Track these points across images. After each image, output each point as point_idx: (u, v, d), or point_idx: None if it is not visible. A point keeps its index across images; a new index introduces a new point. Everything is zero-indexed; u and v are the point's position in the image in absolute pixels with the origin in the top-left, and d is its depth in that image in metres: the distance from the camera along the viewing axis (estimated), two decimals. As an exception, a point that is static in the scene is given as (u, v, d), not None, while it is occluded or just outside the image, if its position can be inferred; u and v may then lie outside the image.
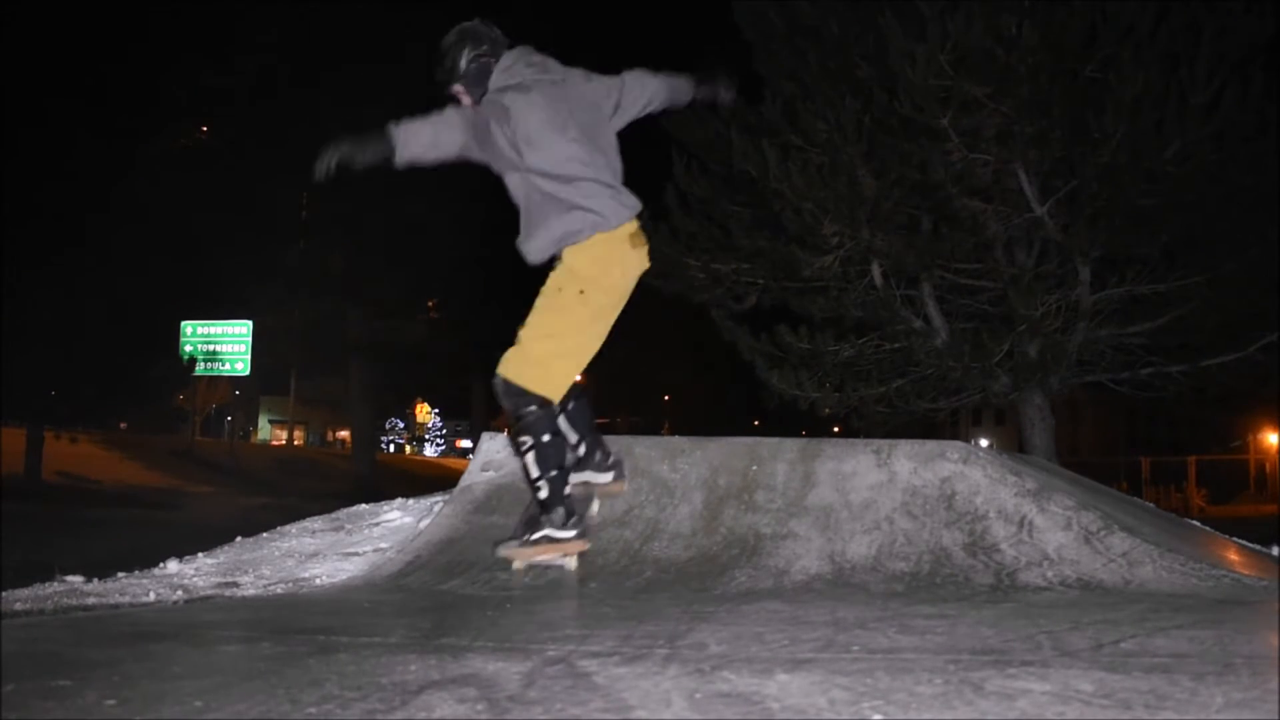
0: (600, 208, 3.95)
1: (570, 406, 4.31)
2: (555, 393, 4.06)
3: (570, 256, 3.98)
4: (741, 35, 13.31)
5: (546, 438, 4.00)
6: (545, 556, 4.11)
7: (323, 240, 34.43)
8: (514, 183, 4.07)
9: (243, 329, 39.05)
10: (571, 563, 4.21)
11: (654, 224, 12.94)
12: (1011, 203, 11.53)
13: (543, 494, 4.02)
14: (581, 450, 4.40)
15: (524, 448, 4.02)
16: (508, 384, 4.02)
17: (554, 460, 4.03)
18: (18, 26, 24.16)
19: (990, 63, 10.39)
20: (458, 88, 4.18)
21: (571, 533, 4.05)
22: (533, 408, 3.99)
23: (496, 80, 4.07)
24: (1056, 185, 11.49)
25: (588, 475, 4.42)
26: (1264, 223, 10.73)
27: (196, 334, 37.86)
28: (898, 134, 11.30)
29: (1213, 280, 11.38)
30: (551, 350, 4.02)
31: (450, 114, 4.00)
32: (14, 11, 23.98)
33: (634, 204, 4.07)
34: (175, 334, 35.98)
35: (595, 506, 4.47)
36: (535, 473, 4.01)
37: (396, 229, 30.39)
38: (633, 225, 4.04)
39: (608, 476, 4.47)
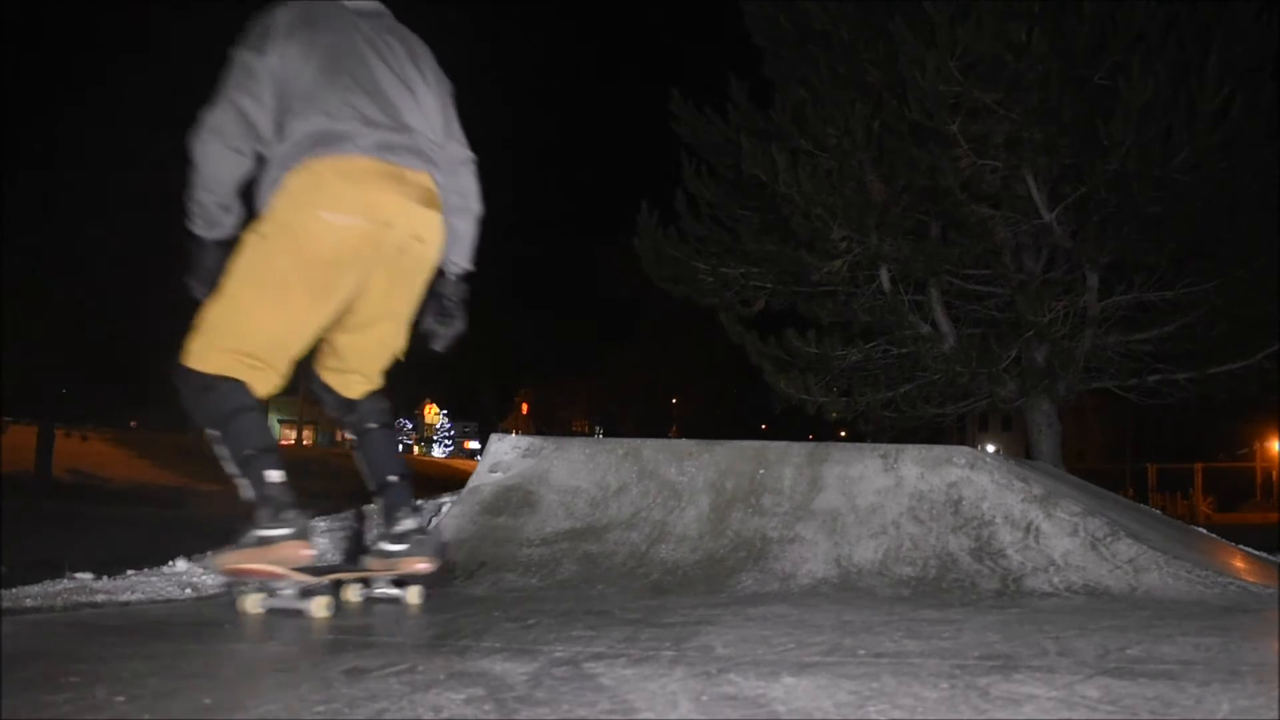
0: (316, 139, 3.22)
1: (372, 434, 3.65)
2: (232, 368, 3.25)
3: (273, 196, 3.25)
4: (751, 39, 13.33)
5: (238, 414, 3.25)
6: (255, 564, 3.18)
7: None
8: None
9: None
10: (316, 608, 3.15)
11: (663, 228, 12.98)
12: (1020, 209, 11.52)
13: (245, 491, 3.26)
14: (381, 501, 3.59)
15: (216, 441, 3.32)
16: (185, 372, 3.32)
17: (251, 438, 3.26)
18: (27, 25, 24.26)
19: (1000, 69, 10.40)
20: None
21: (283, 530, 3.14)
22: (215, 383, 3.27)
23: None
24: (1065, 192, 11.48)
25: (378, 544, 3.56)
26: (1272, 231, 10.72)
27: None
28: (907, 139, 11.31)
29: (1221, 288, 11.37)
30: (228, 315, 3.27)
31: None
32: (22, 9, 24.09)
33: (389, 149, 3.28)
34: (186, 333, 36.08)
35: (416, 595, 3.52)
36: (234, 455, 3.27)
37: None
38: (368, 160, 3.22)
39: (400, 548, 3.47)
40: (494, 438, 5.58)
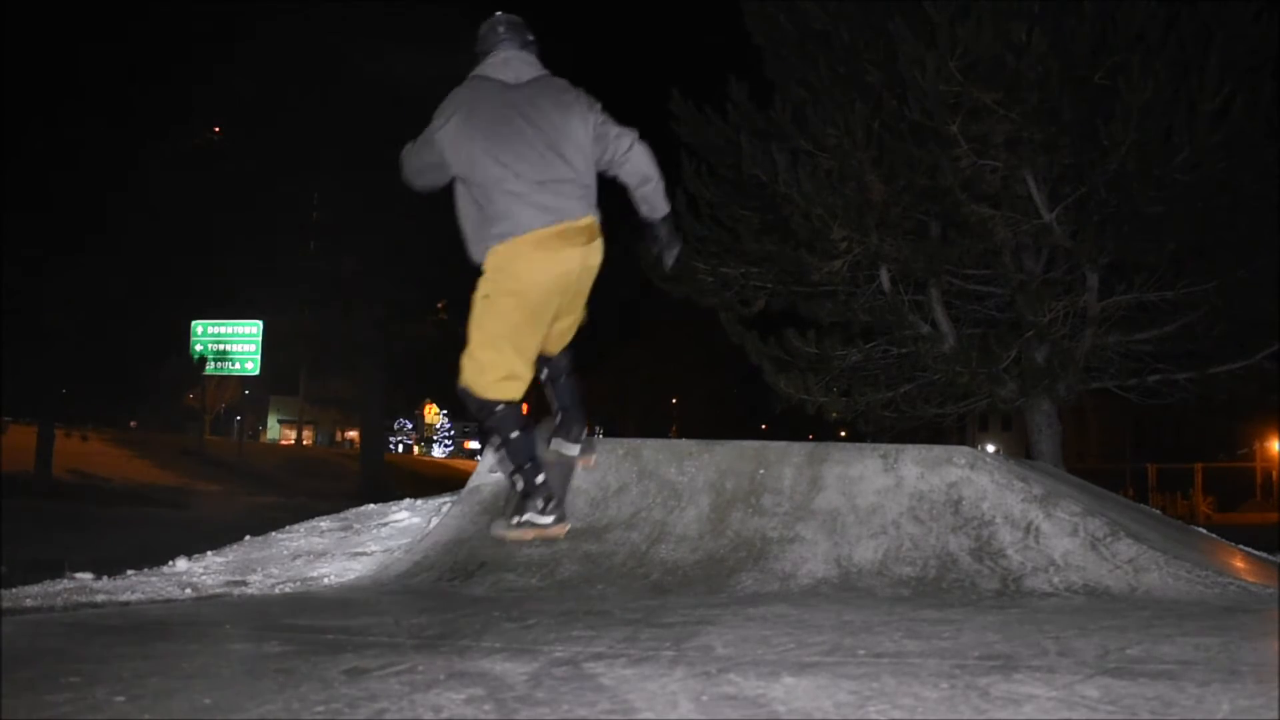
0: (511, 211, 4.11)
1: (560, 381, 4.58)
2: (506, 392, 4.21)
3: (485, 262, 4.19)
4: (752, 40, 13.33)
5: (514, 435, 4.20)
6: (530, 537, 4.29)
7: (333, 241, 34.51)
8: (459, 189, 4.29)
9: (253, 329, 39.16)
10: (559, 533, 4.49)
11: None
12: (1020, 209, 11.51)
13: (519, 485, 4.19)
14: (559, 419, 4.59)
15: (495, 445, 4.30)
16: (467, 391, 4.23)
17: (524, 454, 4.21)
18: (31, 25, 24.25)
19: (1000, 69, 10.39)
20: None
21: (550, 518, 4.18)
22: (498, 408, 4.18)
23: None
24: (1065, 192, 11.47)
25: (557, 444, 4.56)
26: (1272, 231, 10.71)
27: (207, 333, 37.96)
28: (907, 139, 11.29)
29: (1220, 288, 11.36)
30: (484, 359, 4.19)
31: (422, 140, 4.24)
32: (27, 10, 24.08)
33: (557, 211, 4.12)
34: (186, 333, 36.05)
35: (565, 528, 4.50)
36: (510, 467, 4.22)
37: (406, 230, 30.44)
38: (549, 230, 4.10)
39: (575, 449, 4.61)
40: (494, 439, 5.57)
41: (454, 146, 4.12)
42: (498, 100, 4.18)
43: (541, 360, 4.61)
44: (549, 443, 4.51)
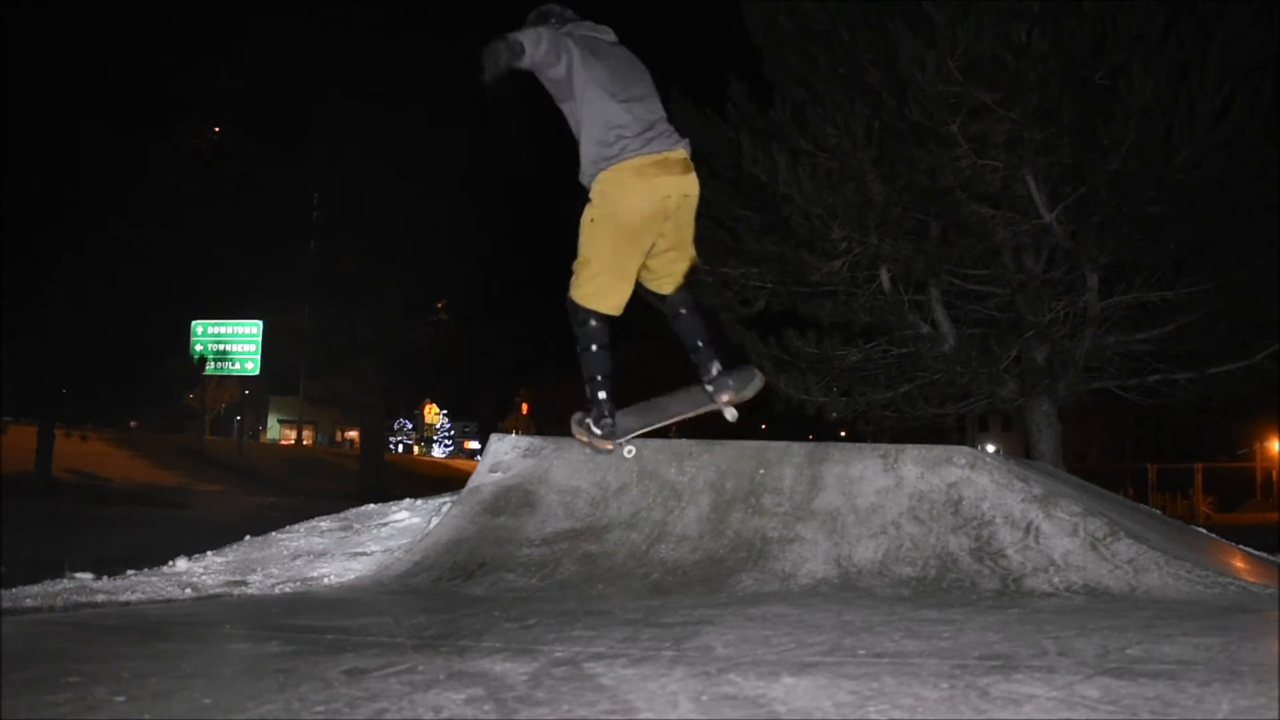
0: (626, 138, 4.61)
1: (682, 317, 5.04)
2: (606, 306, 4.73)
3: (592, 186, 4.69)
4: (752, 40, 13.32)
5: (594, 348, 4.76)
6: (584, 440, 4.93)
7: (333, 241, 34.53)
8: (565, 109, 4.78)
9: (253, 329, 39.16)
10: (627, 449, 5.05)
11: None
12: (1020, 209, 11.51)
13: (588, 392, 4.81)
14: (697, 362, 5.04)
15: (580, 349, 4.80)
16: (570, 302, 4.75)
17: (597, 368, 4.78)
18: (31, 27, 24.24)
19: (1000, 69, 10.39)
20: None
21: (599, 432, 4.84)
22: (590, 321, 4.73)
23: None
24: (1065, 192, 11.47)
25: (704, 388, 5.04)
26: (1272, 231, 10.71)
27: (207, 333, 37.96)
28: (907, 139, 11.29)
29: (1221, 288, 11.36)
30: (588, 273, 4.71)
31: (533, 30, 4.67)
32: (27, 11, 24.08)
33: (666, 139, 4.74)
34: (186, 333, 36.05)
35: (630, 450, 5.04)
36: (586, 373, 4.80)
37: (406, 231, 30.44)
38: (655, 157, 4.65)
39: (724, 396, 5.00)
40: (494, 438, 5.58)
41: (582, 71, 4.62)
42: (607, 49, 4.83)
43: (658, 298, 5.10)
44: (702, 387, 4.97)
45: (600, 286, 4.73)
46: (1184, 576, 3.96)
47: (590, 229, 4.73)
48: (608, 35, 4.96)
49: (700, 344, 5.07)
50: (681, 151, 4.84)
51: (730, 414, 5.09)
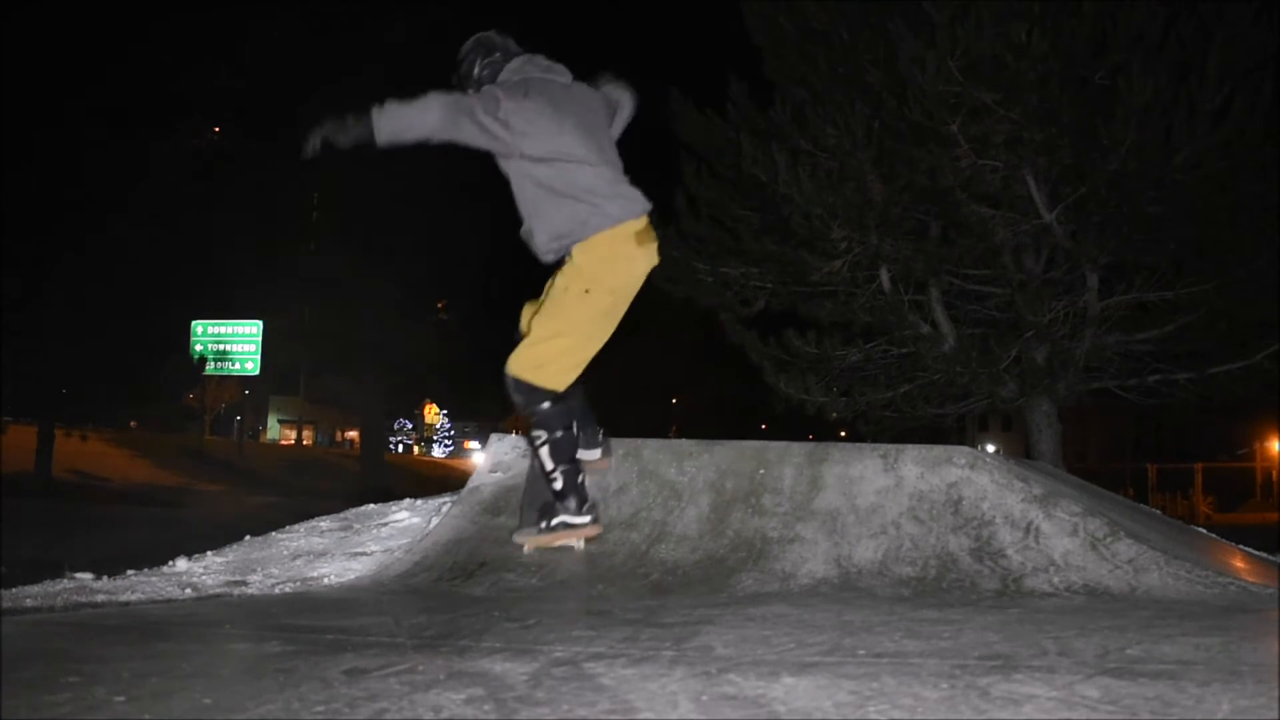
0: (601, 203, 4.11)
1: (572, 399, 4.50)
2: (564, 385, 4.25)
3: (577, 254, 4.14)
4: (752, 40, 13.33)
5: (560, 433, 4.24)
6: (561, 541, 4.36)
7: (333, 241, 34.53)
8: (510, 170, 4.22)
9: (253, 329, 39.19)
10: (580, 544, 4.47)
11: (662, 228, 12.97)
12: (1020, 209, 11.52)
13: (558, 485, 4.27)
14: (574, 430, 4.50)
15: (539, 442, 4.26)
16: (518, 381, 4.21)
17: (567, 453, 4.28)
18: (31, 27, 24.24)
19: (1000, 69, 10.39)
20: (471, 93, 4.30)
21: (586, 518, 4.33)
22: (546, 404, 4.21)
23: (502, 78, 4.28)
24: (1065, 192, 11.48)
25: (578, 452, 4.53)
26: (1272, 231, 10.72)
27: (207, 333, 37.99)
28: (907, 139, 11.29)
29: (1221, 288, 11.36)
30: (560, 348, 4.21)
31: (431, 97, 4.11)
32: (27, 12, 24.08)
33: (641, 201, 4.23)
34: (186, 333, 36.07)
35: (580, 543, 4.49)
36: (550, 465, 4.25)
37: (406, 230, 30.46)
38: (639, 223, 4.19)
39: (595, 453, 4.75)
40: (494, 438, 5.58)
41: (539, 132, 4.06)
42: (567, 97, 4.25)
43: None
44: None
45: (569, 365, 4.26)
46: (1184, 576, 3.96)
47: (578, 301, 4.17)
48: (564, 77, 4.38)
49: (583, 415, 4.65)
50: (646, 215, 4.30)
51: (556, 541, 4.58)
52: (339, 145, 4.10)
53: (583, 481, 4.33)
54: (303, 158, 4.14)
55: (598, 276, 4.15)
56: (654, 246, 4.27)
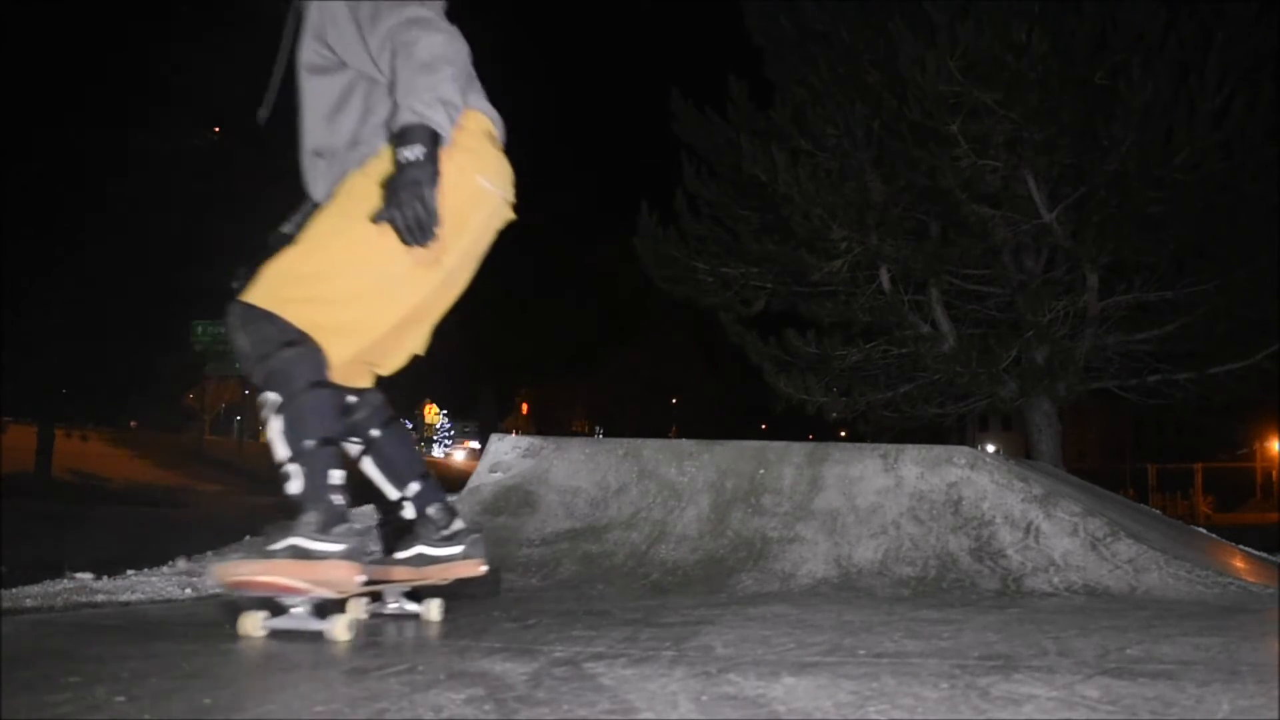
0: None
1: (379, 436, 3.19)
2: (351, 349, 2.78)
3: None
4: (752, 40, 13.34)
5: (306, 395, 2.66)
6: (287, 580, 2.62)
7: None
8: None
9: (252, 329, 39.16)
10: (338, 630, 2.64)
11: (663, 228, 12.99)
12: (1020, 209, 11.52)
13: (294, 485, 2.67)
14: (408, 509, 3.16)
15: (275, 408, 2.67)
16: (276, 318, 2.69)
17: (313, 427, 2.67)
18: (29, 27, 24.26)
19: (1000, 69, 10.40)
20: None
21: (335, 546, 2.63)
22: (289, 351, 2.67)
23: None
24: (1065, 192, 11.49)
25: (420, 549, 3.11)
26: (1272, 231, 10.73)
27: (207, 333, 37.98)
28: (907, 140, 11.30)
29: (1221, 288, 11.38)
30: (360, 286, 2.75)
31: None
32: (24, 12, 24.09)
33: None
34: (186, 333, 36.07)
35: (436, 610, 3.16)
36: (283, 449, 2.66)
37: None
38: (491, 121, 2.95)
39: (452, 550, 3.09)
40: (494, 438, 5.58)
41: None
42: None
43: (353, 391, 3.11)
44: (399, 548, 3.11)
45: (348, 295, 2.72)
46: (1184, 576, 3.96)
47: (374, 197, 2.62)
48: None
49: (420, 481, 3.17)
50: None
51: (436, 610, 3.14)
52: None
53: (339, 486, 2.72)
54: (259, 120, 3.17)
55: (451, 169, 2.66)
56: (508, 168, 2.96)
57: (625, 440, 5.17)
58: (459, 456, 71.03)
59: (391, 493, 3.15)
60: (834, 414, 13.25)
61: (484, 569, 3.14)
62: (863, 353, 13.06)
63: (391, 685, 2.19)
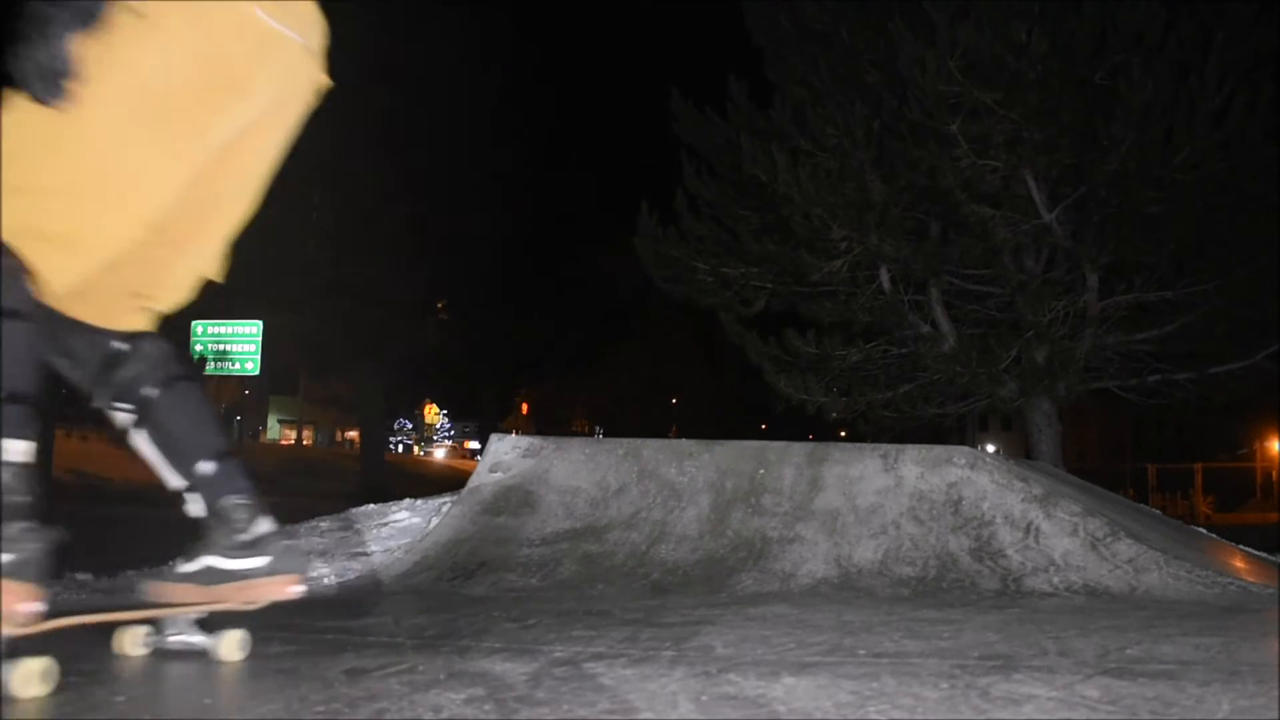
0: None
1: (155, 399, 2.33)
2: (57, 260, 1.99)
3: None
4: (752, 40, 13.34)
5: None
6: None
7: (333, 241, 34.52)
8: None
9: (253, 329, 39.14)
10: (225, 648, 2.36)
11: (663, 228, 13.00)
12: (1020, 209, 11.53)
13: None
14: (193, 503, 2.38)
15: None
16: None
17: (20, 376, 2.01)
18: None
19: (1000, 69, 10.40)
20: None
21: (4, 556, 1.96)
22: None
23: None
24: (1065, 192, 11.49)
25: (213, 560, 2.38)
26: (1272, 231, 10.73)
27: (207, 333, 37.93)
28: (907, 140, 11.31)
29: (1220, 288, 11.38)
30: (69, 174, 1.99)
31: None
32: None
33: None
34: (186, 333, 36.02)
35: (234, 646, 2.43)
36: None
37: (407, 231, 30.43)
38: None
39: (254, 563, 2.36)
40: (494, 438, 5.58)
41: None
42: None
43: (96, 352, 2.33)
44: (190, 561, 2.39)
45: (103, 215, 1.99)
46: (1184, 576, 3.96)
47: (129, 36, 1.95)
48: None
49: (212, 463, 2.35)
50: None
51: (233, 648, 2.42)
52: None
53: (20, 461, 2.16)
54: None
55: None
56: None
57: (625, 440, 5.17)
58: (439, 455, 71.12)
59: (171, 479, 2.34)
60: (834, 414, 13.25)
61: (299, 589, 2.42)
62: (863, 353, 13.06)
63: (391, 685, 2.19)
